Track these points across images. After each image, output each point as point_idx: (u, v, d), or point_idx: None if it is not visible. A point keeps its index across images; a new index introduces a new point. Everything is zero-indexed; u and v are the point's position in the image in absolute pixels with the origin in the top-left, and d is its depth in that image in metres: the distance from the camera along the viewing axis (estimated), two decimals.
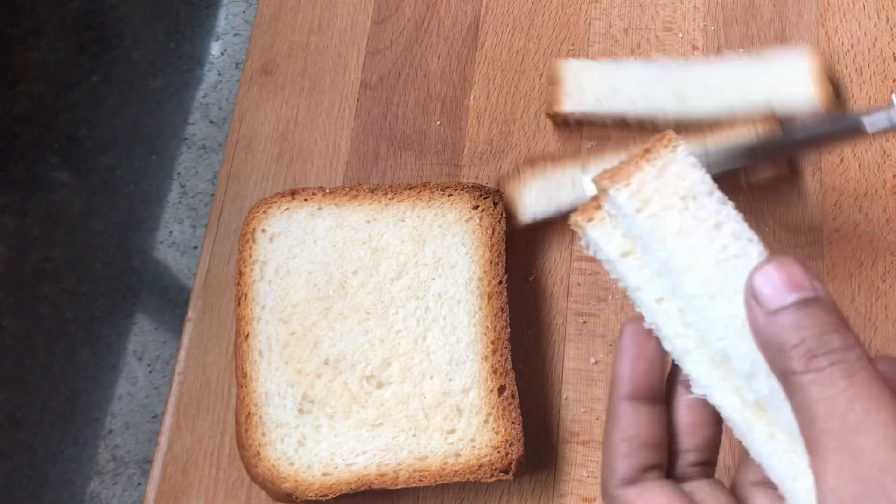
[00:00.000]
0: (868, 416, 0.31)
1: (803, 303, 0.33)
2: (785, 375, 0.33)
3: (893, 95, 0.42)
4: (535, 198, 0.63)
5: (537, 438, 0.58)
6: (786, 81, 0.64)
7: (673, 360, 0.38)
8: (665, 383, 0.39)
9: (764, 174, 0.59)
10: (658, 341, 0.38)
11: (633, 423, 0.37)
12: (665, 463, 0.38)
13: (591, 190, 0.39)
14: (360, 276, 0.58)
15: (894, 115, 0.44)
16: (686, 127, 0.63)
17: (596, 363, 0.59)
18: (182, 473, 0.58)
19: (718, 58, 0.66)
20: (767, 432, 0.36)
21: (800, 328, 0.33)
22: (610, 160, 0.61)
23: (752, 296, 0.35)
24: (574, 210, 0.40)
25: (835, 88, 0.64)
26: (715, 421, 0.39)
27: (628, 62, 0.66)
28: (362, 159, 0.67)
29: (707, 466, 0.39)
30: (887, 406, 0.31)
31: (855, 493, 0.30)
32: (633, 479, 0.37)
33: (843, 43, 0.68)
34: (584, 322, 0.60)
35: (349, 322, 0.56)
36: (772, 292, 0.34)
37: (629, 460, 0.37)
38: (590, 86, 0.66)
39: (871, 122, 0.46)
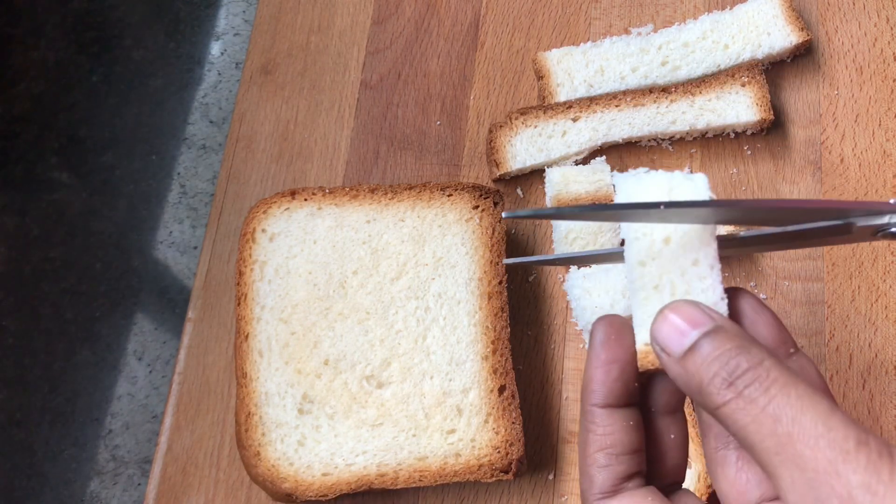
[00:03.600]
0: (796, 423, 0.31)
1: (704, 337, 0.34)
2: (714, 413, 0.34)
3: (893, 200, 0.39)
4: (526, 147, 0.63)
5: (537, 438, 0.58)
6: (760, 26, 0.66)
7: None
8: (639, 378, 0.39)
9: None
10: (631, 338, 0.38)
11: (609, 431, 0.37)
12: (644, 468, 0.37)
13: (616, 180, 0.40)
14: (360, 276, 0.58)
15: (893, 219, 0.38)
16: (676, 89, 0.64)
17: None
18: (182, 473, 0.58)
19: (692, 19, 0.68)
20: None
21: (707, 365, 0.33)
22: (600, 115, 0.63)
23: (659, 349, 0.35)
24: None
25: (805, 23, 0.66)
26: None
27: (607, 41, 0.67)
28: (362, 159, 0.67)
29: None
30: (812, 406, 0.31)
31: (812, 501, 0.30)
32: (613, 490, 0.36)
33: (843, 43, 0.68)
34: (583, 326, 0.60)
35: (349, 322, 0.56)
36: (674, 338, 0.34)
37: (606, 471, 0.36)
38: (577, 72, 0.66)
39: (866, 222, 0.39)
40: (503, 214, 0.48)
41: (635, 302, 0.38)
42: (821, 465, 0.30)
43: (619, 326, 0.38)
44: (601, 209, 0.40)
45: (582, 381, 0.39)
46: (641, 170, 0.60)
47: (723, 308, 0.36)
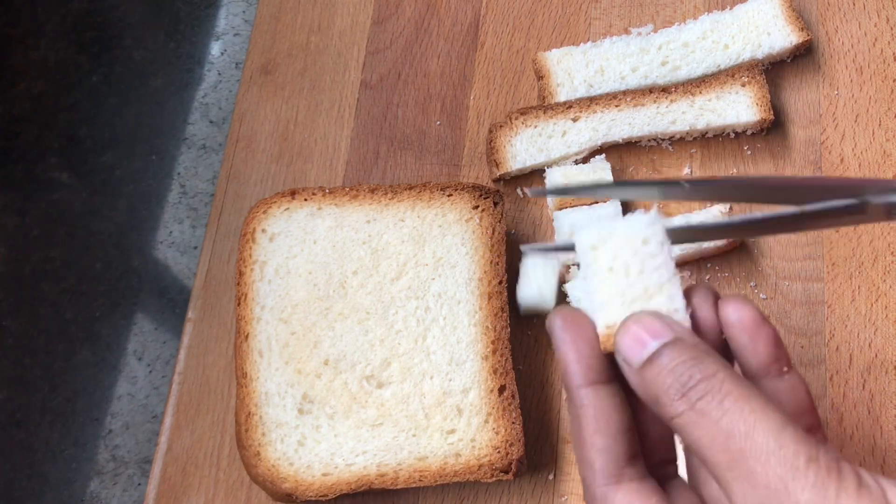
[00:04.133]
0: (748, 439, 0.31)
1: (661, 348, 0.34)
2: (670, 425, 0.34)
3: None
4: (526, 147, 0.63)
5: (537, 438, 0.58)
6: (760, 26, 0.66)
7: None
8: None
9: (717, 244, 0.60)
10: (587, 319, 0.37)
11: (600, 409, 0.36)
12: (639, 451, 0.37)
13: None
14: (360, 276, 0.58)
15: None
16: (676, 89, 0.64)
17: None
18: (182, 473, 0.58)
19: (691, 19, 0.68)
20: (608, 266, 0.37)
21: (662, 376, 0.33)
22: (600, 115, 0.64)
23: (621, 360, 0.35)
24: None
25: (805, 23, 0.66)
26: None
27: (607, 41, 0.67)
28: (362, 159, 0.67)
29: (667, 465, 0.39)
30: (765, 421, 0.31)
31: None
32: (617, 477, 0.35)
33: (843, 43, 0.68)
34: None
35: (349, 322, 0.56)
36: (634, 348, 0.34)
37: (606, 454, 0.35)
38: (577, 72, 0.66)
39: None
40: (528, 192, 0.47)
41: (591, 286, 0.37)
42: (771, 482, 0.30)
43: (573, 312, 0.38)
44: (625, 185, 0.40)
45: (559, 371, 0.39)
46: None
47: (678, 294, 0.36)
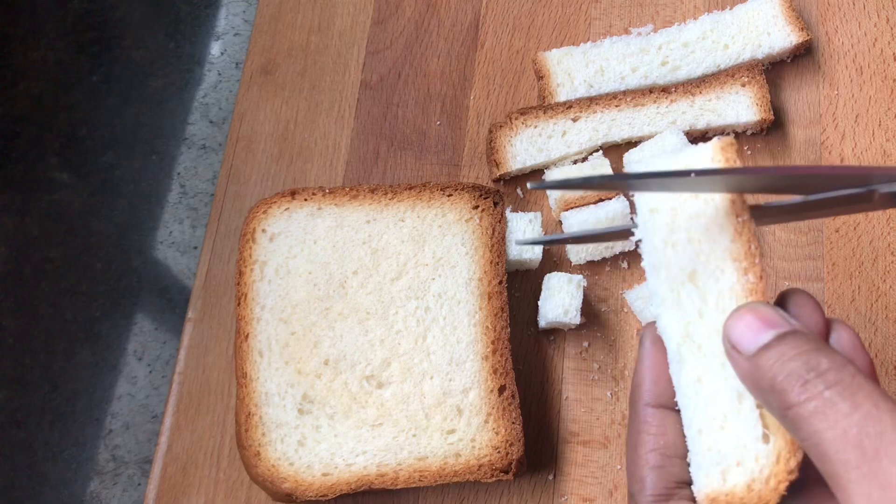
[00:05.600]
0: (884, 438, 0.29)
1: (780, 337, 0.32)
2: (785, 414, 0.32)
3: None
4: (526, 147, 0.63)
5: (537, 438, 0.58)
6: (760, 26, 0.66)
7: None
8: None
9: None
10: None
11: (661, 431, 0.36)
12: (690, 481, 0.36)
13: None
14: (360, 276, 0.58)
15: None
16: (676, 89, 0.64)
17: (599, 367, 0.59)
18: (182, 473, 0.58)
19: (691, 20, 0.68)
20: (696, 375, 0.36)
21: (783, 362, 0.32)
22: (600, 114, 0.63)
23: (730, 346, 0.34)
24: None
25: (805, 23, 0.66)
26: None
27: (607, 41, 0.67)
28: (362, 159, 0.67)
29: None
30: None
31: None
32: (665, 496, 0.35)
33: (843, 43, 0.68)
34: (585, 322, 0.60)
35: (349, 322, 0.56)
36: (747, 336, 0.33)
37: (658, 473, 0.35)
38: (577, 72, 0.66)
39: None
40: (529, 185, 0.48)
41: (695, 446, 0.36)
42: None
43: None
44: (624, 177, 0.39)
45: (631, 384, 0.38)
46: (647, 146, 0.60)
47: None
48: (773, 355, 0.32)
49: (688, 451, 0.36)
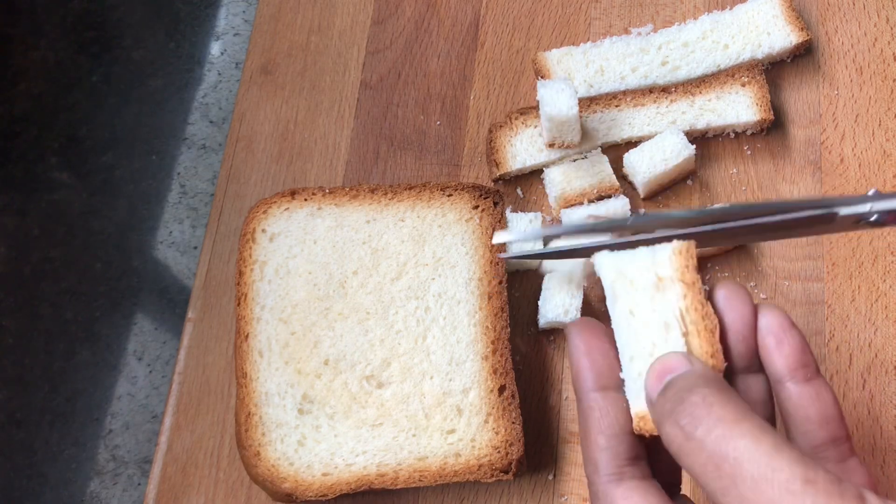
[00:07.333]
0: (738, 464, 0.30)
1: (669, 382, 0.35)
2: (673, 455, 0.34)
3: (870, 190, 0.41)
4: (526, 147, 0.63)
5: (537, 438, 0.58)
6: (760, 26, 0.66)
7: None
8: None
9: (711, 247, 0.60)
10: (606, 332, 0.40)
11: (605, 412, 0.38)
12: (645, 453, 0.38)
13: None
14: (360, 276, 0.58)
15: (874, 206, 0.40)
16: (676, 89, 0.64)
17: None
18: (182, 473, 0.58)
19: (691, 20, 0.68)
20: (628, 308, 0.39)
21: (663, 403, 0.34)
22: (600, 116, 0.64)
23: (646, 397, 0.36)
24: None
25: (805, 23, 0.66)
26: None
27: (607, 41, 0.67)
28: (362, 159, 0.67)
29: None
30: (756, 446, 0.31)
31: None
32: (619, 475, 0.36)
33: (843, 43, 0.68)
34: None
35: (349, 322, 0.56)
36: (652, 384, 0.36)
37: (608, 453, 0.37)
38: (578, 72, 0.66)
39: (849, 212, 0.41)
40: (500, 256, 0.51)
41: (628, 372, 0.39)
42: (773, 499, 0.29)
43: (590, 322, 0.40)
44: (589, 227, 0.42)
45: (572, 377, 0.40)
46: (647, 146, 0.61)
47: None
48: (661, 400, 0.35)
49: (630, 425, 0.38)
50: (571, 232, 0.44)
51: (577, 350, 0.39)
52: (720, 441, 0.31)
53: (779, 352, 0.37)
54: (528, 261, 0.59)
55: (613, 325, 0.40)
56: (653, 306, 0.38)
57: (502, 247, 0.57)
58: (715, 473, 0.31)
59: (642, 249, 0.40)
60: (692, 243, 0.39)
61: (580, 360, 0.39)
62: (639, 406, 0.37)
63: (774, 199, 0.63)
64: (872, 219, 0.39)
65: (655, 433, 0.36)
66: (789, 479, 0.29)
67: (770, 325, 0.37)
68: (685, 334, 0.37)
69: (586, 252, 0.46)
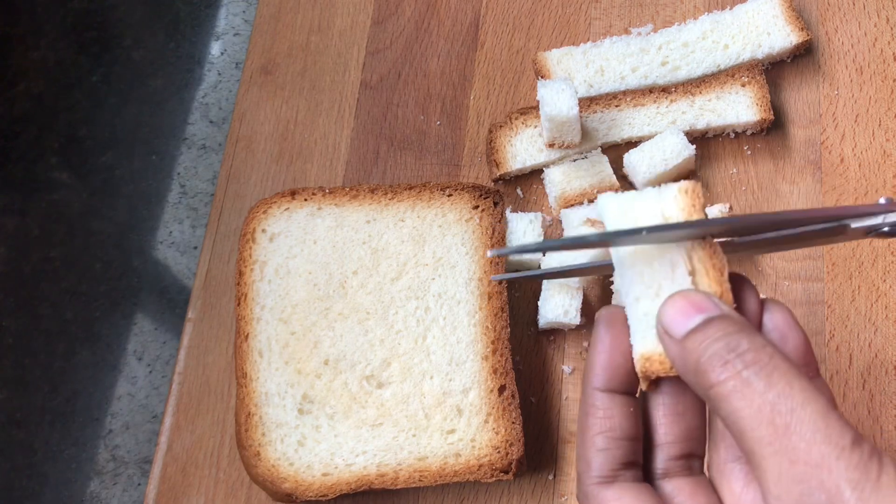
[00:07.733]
0: (795, 414, 0.31)
1: (707, 321, 0.34)
2: (707, 394, 0.33)
3: (881, 199, 0.40)
4: (526, 147, 0.63)
5: (537, 438, 0.58)
6: (760, 26, 0.66)
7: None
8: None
9: None
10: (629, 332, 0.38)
11: (609, 414, 0.37)
12: (640, 461, 0.38)
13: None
14: (360, 276, 0.58)
15: (888, 218, 0.39)
16: (676, 89, 0.64)
17: None
18: (182, 473, 0.58)
19: (691, 19, 0.68)
20: (633, 248, 0.38)
21: (707, 344, 0.33)
22: (600, 115, 0.64)
23: (663, 331, 0.35)
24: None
25: (805, 23, 0.66)
26: (696, 409, 0.38)
27: (607, 41, 0.67)
28: (362, 159, 0.67)
29: (690, 460, 0.38)
30: (813, 401, 0.31)
31: (796, 495, 0.30)
32: (610, 477, 0.36)
33: (843, 43, 0.68)
34: (585, 322, 0.60)
35: (349, 322, 0.56)
36: (678, 320, 0.35)
37: (605, 455, 0.36)
38: (578, 72, 0.66)
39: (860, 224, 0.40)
40: (488, 253, 0.49)
41: (632, 312, 0.38)
42: (813, 459, 0.30)
43: (620, 315, 0.38)
44: (588, 239, 0.41)
45: (584, 366, 0.39)
46: (647, 146, 0.61)
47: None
48: (699, 338, 0.34)
49: (634, 426, 0.37)
50: (566, 246, 0.42)
51: (601, 343, 0.38)
52: (780, 391, 0.31)
53: (783, 348, 0.37)
54: (528, 262, 0.59)
55: (615, 266, 0.39)
56: (660, 247, 0.37)
57: (500, 261, 0.57)
58: (768, 419, 0.31)
59: (648, 190, 0.38)
60: (698, 183, 0.38)
61: (600, 354, 0.38)
62: (645, 347, 0.36)
63: (783, 209, 0.62)
64: (885, 230, 0.39)
65: (663, 374, 0.36)
66: (841, 436, 0.30)
67: (776, 321, 0.37)
68: (692, 272, 0.36)
69: (582, 272, 0.45)
